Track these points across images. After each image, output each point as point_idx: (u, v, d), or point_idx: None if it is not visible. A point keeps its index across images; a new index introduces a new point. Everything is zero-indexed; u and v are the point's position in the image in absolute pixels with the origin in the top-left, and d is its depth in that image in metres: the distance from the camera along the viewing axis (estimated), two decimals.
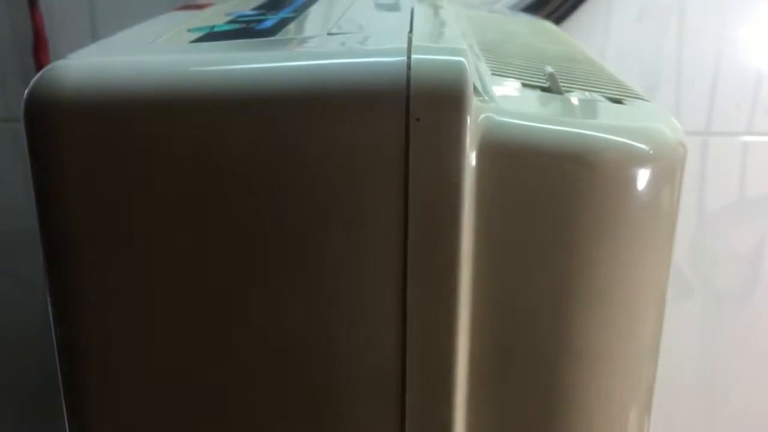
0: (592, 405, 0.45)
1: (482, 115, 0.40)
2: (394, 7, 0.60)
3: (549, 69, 0.52)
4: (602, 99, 0.49)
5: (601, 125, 0.43)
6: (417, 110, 0.38)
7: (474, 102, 0.39)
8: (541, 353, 0.43)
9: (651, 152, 0.41)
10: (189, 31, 0.50)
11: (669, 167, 0.42)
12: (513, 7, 1.03)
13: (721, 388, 1.26)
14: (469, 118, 0.38)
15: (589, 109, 0.46)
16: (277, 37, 0.48)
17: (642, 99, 0.51)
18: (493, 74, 0.51)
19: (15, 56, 1.07)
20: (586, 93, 0.49)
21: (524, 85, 0.49)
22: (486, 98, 0.43)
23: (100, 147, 0.39)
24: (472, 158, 0.39)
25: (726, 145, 1.16)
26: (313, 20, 0.55)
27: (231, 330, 0.43)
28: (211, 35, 0.48)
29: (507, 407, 0.44)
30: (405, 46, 0.40)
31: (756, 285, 1.20)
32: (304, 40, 0.48)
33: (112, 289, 0.42)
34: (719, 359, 1.24)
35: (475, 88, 0.40)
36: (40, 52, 1.04)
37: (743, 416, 1.29)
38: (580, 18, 1.07)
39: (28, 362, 1.26)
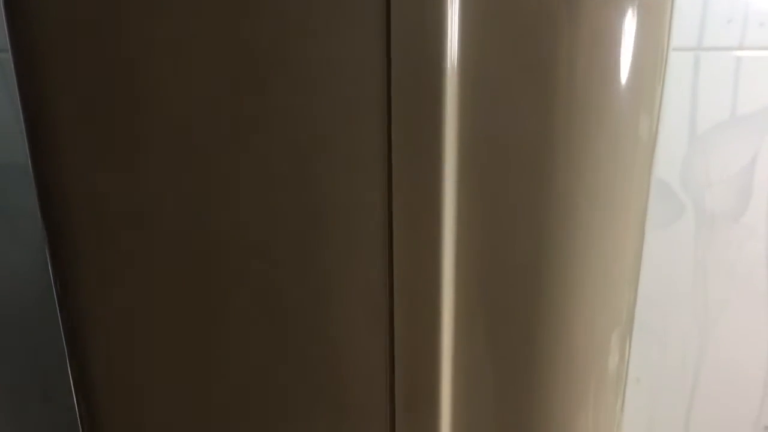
0: (574, 329, 0.44)
1: None
2: None
3: None
4: None
5: None
6: None
7: None
8: (523, 274, 0.42)
9: None
10: None
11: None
12: None
13: (713, 303, 1.27)
14: None
15: None
16: None
17: None
18: None
19: None
20: None
21: None
22: None
23: None
24: None
25: (718, 60, 1.14)
26: None
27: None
28: None
29: (492, 320, 0.43)
30: None
31: (748, 203, 1.19)
32: None
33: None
34: (711, 277, 1.25)
35: None
36: None
37: (734, 333, 1.30)
38: None
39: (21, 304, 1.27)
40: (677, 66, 1.12)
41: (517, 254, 0.42)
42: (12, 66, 0.39)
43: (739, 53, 1.12)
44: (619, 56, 0.40)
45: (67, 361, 0.49)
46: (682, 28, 1.11)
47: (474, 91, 0.39)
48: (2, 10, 0.40)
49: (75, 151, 0.42)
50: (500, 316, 0.44)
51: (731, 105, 1.14)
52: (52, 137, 0.41)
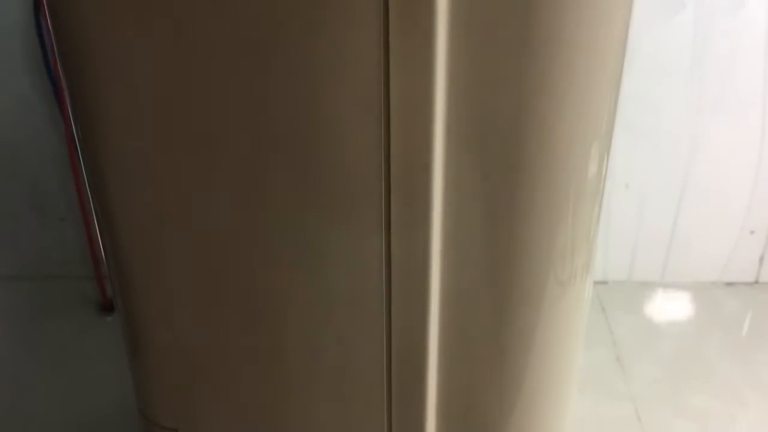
0: (556, 137, 0.44)
1: None
2: None
3: None
4: None
5: None
6: None
7: None
8: (509, 84, 0.42)
9: None
10: None
11: None
12: None
13: (706, 103, 1.26)
14: None
15: None
16: None
17: None
18: None
19: None
20: None
21: None
22: None
23: None
24: None
25: None
26: None
27: None
28: None
29: (480, 128, 0.44)
30: None
31: None
32: None
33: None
34: (707, 73, 1.23)
35: None
36: None
37: (726, 136, 1.29)
38: None
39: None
40: None
41: (504, 64, 0.42)
42: None
43: None
44: None
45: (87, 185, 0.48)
46: None
47: None
48: None
49: None
50: (487, 124, 0.44)
51: None
52: None
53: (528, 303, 0.50)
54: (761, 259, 1.41)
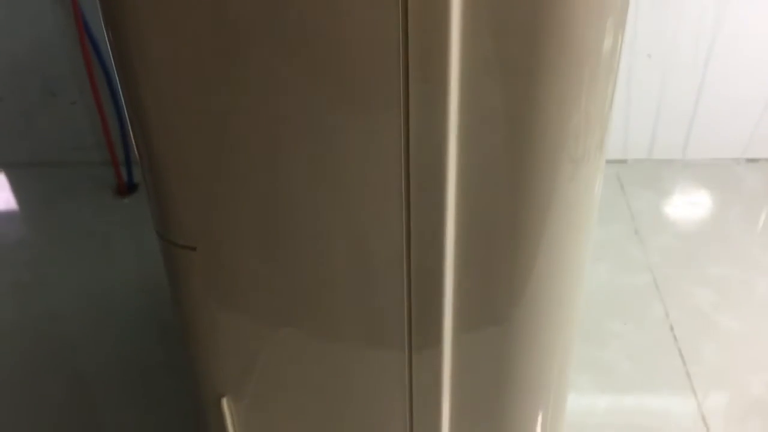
0: (572, 17, 0.42)
1: None
2: None
3: None
4: None
5: None
6: None
7: None
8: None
9: None
10: None
11: None
12: None
13: None
14: None
15: None
16: None
17: None
18: None
19: None
20: None
21: None
22: None
23: None
24: None
25: None
26: None
27: None
28: None
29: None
30: None
31: None
32: None
33: None
34: None
35: None
36: None
37: (752, 5, 1.25)
38: None
39: None
40: None
41: None
42: None
43: None
44: None
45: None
46: None
47: None
48: None
49: None
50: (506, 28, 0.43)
51: None
52: None
53: (542, 180, 0.50)
54: None
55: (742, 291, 1.12)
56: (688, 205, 1.33)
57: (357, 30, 0.43)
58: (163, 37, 0.44)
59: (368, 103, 0.45)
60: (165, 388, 1.00)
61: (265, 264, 0.53)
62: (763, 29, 1.27)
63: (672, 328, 1.06)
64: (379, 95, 0.45)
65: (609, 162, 1.43)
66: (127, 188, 1.40)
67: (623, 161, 1.42)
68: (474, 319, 0.55)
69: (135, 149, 0.51)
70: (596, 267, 1.16)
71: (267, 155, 0.47)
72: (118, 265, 1.24)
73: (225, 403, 0.61)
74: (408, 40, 0.43)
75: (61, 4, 1.27)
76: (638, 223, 1.26)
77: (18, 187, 1.44)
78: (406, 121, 0.46)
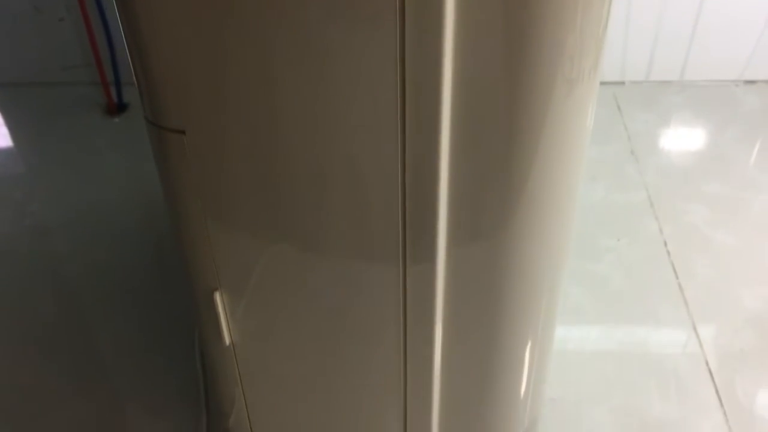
0: None
1: None
2: None
3: None
4: None
5: None
6: None
7: None
8: None
9: None
10: None
11: None
12: None
13: None
14: None
15: None
16: None
17: None
18: None
19: None
20: None
21: None
22: None
23: None
24: None
25: None
26: None
27: None
28: None
29: None
30: None
31: None
32: None
33: None
34: None
35: None
36: None
37: None
38: None
39: None
40: None
41: None
42: None
43: None
44: None
45: None
46: None
47: None
48: None
49: None
50: None
51: None
52: None
53: (537, 100, 0.49)
54: None
55: (737, 208, 1.12)
56: (685, 126, 1.32)
57: None
58: None
59: (365, 11, 0.44)
60: (156, 304, 1.00)
61: (254, 155, 0.52)
62: None
63: (665, 244, 1.06)
64: (375, 2, 0.44)
65: (606, 84, 1.41)
66: (117, 108, 1.37)
67: (621, 83, 1.40)
68: (468, 233, 0.55)
69: (124, 42, 0.50)
70: (592, 185, 1.15)
71: (258, 31, 0.46)
72: (109, 183, 1.23)
73: (217, 296, 0.61)
74: None
75: None
76: (634, 143, 1.25)
77: (6, 108, 1.42)
78: (402, 33, 0.45)
